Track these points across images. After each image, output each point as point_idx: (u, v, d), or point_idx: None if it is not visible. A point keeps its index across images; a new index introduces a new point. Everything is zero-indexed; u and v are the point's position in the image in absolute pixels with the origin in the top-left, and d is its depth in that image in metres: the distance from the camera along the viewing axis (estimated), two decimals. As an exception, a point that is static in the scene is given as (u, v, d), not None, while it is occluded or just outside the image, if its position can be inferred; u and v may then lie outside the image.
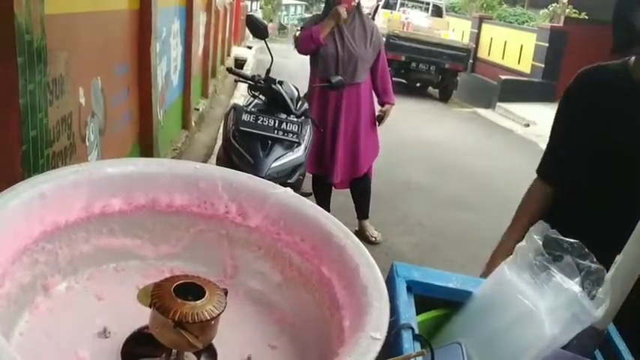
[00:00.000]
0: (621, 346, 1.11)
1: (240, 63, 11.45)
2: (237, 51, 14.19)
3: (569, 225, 1.14)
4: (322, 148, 3.84)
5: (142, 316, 0.82)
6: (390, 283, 1.12)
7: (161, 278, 0.83)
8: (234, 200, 1.05)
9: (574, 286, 0.97)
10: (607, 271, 1.03)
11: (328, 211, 1.06)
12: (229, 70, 3.83)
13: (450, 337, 1.09)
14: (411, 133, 7.92)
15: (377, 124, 4.02)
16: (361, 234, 4.04)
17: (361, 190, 4.10)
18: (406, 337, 0.99)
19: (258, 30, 3.25)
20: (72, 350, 0.82)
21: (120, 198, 0.99)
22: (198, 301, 0.78)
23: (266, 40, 3.27)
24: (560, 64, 11.68)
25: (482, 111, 11.28)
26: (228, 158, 3.05)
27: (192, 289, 0.80)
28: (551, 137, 1.74)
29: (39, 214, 0.86)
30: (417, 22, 12.70)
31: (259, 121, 3.03)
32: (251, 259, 1.07)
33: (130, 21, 3.34)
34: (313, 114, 3.66)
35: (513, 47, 13.46)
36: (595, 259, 1.01)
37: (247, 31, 4.47)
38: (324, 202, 3.96)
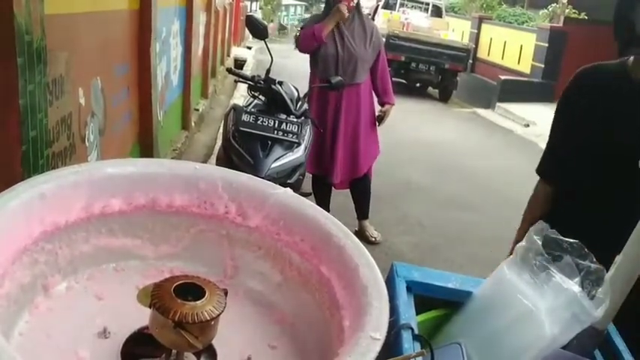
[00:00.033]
0: (621, 346, 1.11)
1: (239, 63, 11.45)
2: (237, 51, 14.20)
3: (569, 225, 1.14)
4: (322, 148, 3.84)
5: (141, 317, 0.82)
6: (390, 283, 1.12)
7: (161, 278, 0.83)
8: (234, 200, 1.05)
9: (574, 286, 0.97)
10: (607, 271, 1.03)
11: (328, 211, 1.06)
12: (229, 70, 3.83)
13: (449, 337, 1.10)
14: (411, 133, 7.92)
15: (377, 124, 4.02)
16: (361, 234, 4.04)
17: (361, 190, 4.10)
18: (406, 337, 0.99)
19: (258, 30, 3.25)
20: (72, 350, 0.82)
21: (120, 198, 0.99)
22: (198, 302, 0.78)
23: (266, 40, 3.27)
24: (559, 64, 11.68)
25: (482, 111, 11.28)
26: (228, 158, 3.05)
27: (192, 290, 0.80)
28: (550, 137, 1.74)
29: (39, 215, 0.86)
30: (417, 22, 12.70)
31: (259, 122, 3.03)
32: (251, 259, 1.07)
33: (130, 21, 3.34)
34: (313, 114, 3.66)
35: (513, 47, 13.46)
36: (595, 259, 1.01)
37: (247, 31, 4.47)
38: (323, 202, 3.96)
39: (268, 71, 3.30)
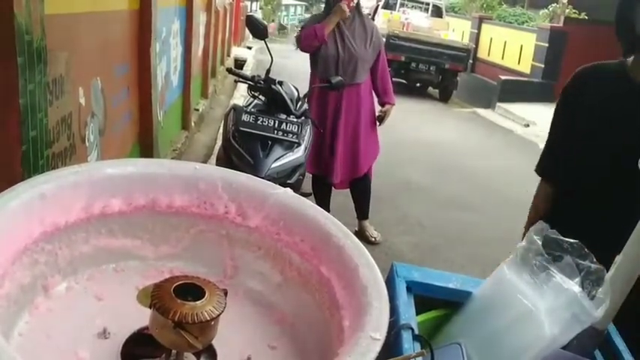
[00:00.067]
0: (621, 346, 1.11)
1: (240, 63, 11.45)
2: (237, 51, 14.19)
3: (569, 225, 1.14)
4: (322, 148, 3.84)
5: (141, 317, 0.82)
6: (390, 283, 1.12)
7: (161, 279, 0.83)
8: (234, 200, 1.05)
9: (574, 286, 0.97)
10: (607, 271, 1.03)
11: (328, 211, 1.06)
12: (229, 70, 3.82)
13: (449, 338, 1.10)
14: (411, 133, 7.92)
15: (377, 124, 4.03)
16: (361, 234, 4.04)
17: (361, 190, 4.10)
18: (406, 337, 0.99)
19: (258, 30, 3.25)
20: (72, 351, 0.82)
21: (120, 198, 0.99)
22: (198, 302, 0.78)
23: (266, 40, 3.27)
24: (560, 64, 11.68)
25: (482, 111, 11.28)
26: (228, 158, 3.05)
27: (192, 290, 0.80)
28: (549, 136, 1.74)
29: (39, 215, 0.86)
30: (417, 22, 12.70)
31: (259, 122, 3.03)
32: (251, 259, 1.07)
33: (130, 21, 3.34)
34: (313, 114, 3.66)
35: (513, 47, 13.46)
36: (595, 259, 1.01)
37: (247, 31, 4.47)
38: (323, 202, 3.96)
39: (268, 71, 3.30)
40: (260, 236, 1.05)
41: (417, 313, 1.11)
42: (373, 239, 4.09)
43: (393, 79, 7.11)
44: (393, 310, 0.95)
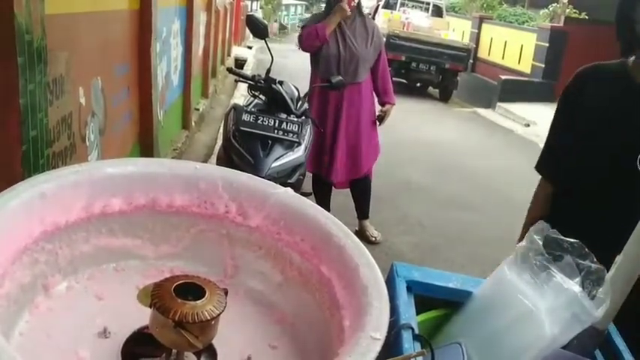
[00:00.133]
0: (621, 346, 1.11)
1: (240, 63, 11.45)
2: (238, 51, 14.19)
3: (568, 224, 1.14)
4: (322, 147, 3.84)
5: (142, 316, 0.82)
6: (390, 283, 1.12)
7: (161, 278, 0.83)
8: (234, 200, 1.05)
9: (574, 286, 0.97)
10: (607, 271, 1.03)
11: (328, 211, 1.06)
12: (229, 70, 3.82)
13: (450, 337, 1.10)
14: (411, 133, 7.91)
15: (377, 124, 4.03)
16: (361, 234, 4.04)
17: (361, 189, 4.10)
18: (406, 337, 0.99)
19: (259, 30, 3.25)
20: (72, 350, 0.82)
21: (120, 198, 0.99)
22: (198, 301, 0.78)
23: (266, 39, 3.27)
24: (560, 64, 11.68)
25: (482, 111, 11.28)
26: (228, 158, 3.05)
27: (192, 289, 0.80)
28: (549, 135, 1.74)
29: (39, 214, 0.86)
30: (417, 22, 12.69)
31: (259, 121, 3.03)
32: (251, 259, 1.07)
33: (130, 21, 3.34)
34: (313, 114, 3.66)
35: (513, 47, 13.45)
36: (595, 259, 1.01)
37: (247, 31, 4.47)
38: (324, 202, 3.96)
39: (269, 71, 3.30)
40: (260, 236, 1.05)
41: (417, 313, 1.11)
42: (373, 239, 4.09)
43: (394, 78, 7.11)
44: (393, 310, 0.95)
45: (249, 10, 19.79)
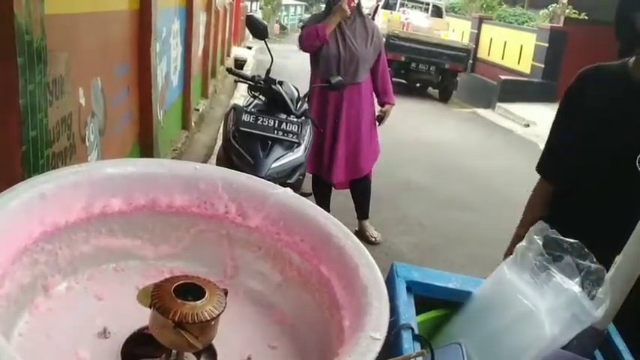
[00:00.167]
0: (621, 346, 1.11)
1: (240, 63, 11.45)
2: (237, 51, 14.19)
3: (568, 224, 1.15)
4: (322, 148, 3.84)
5: (141, 317, 0.82)
6: (390, 283, 1.12)
7: (161, 278, 0.83)
8: (234, 200, 1.05)
9: (574, 286, 0.97)
10: (607, 271, 1.03)
11: (328, 211, 1.06)
12: (229, 70, 3.82)
13: (449, 338, 1.10)
14: (411, 133, 7.91)
15: (377, 124, 4.03)
16: (361, 234, 4.04)
17: (361, 190, 4.10)
18: (406, 337, 0.99)
19: (258, 30, 3.25)
20: (72, 350, 0.82)
21: (120, 198, 0.99)
22: (198, 302, 0.78)
23: (266, 40, 3.28)
24: (560, 64, 11.68)
25: (482, 111, 11.28)
26: (228, 158, 3.05)
27: (192, 290, 0.80)
28: (550, 135, 1.75)
29: (39, 215, 0.86)
30: (417, 22, 12.69)
31: (259, 122, 3.03)
32: (251, 259, 1.07)
33: (130, 21, 3.34)
34: (313, 114, 3.66)
35: (513, 47, 13.46)
36: (595, 259, 1.01)
37: (247, 31, 4.47)
38: (324, 202, 3.96)
39: (268, 71, 3.30)
40: (260, 236, 1.05)
41: (417, 313, 1.11)
42: (373, 239, 4.09)
43: (393, 79, 7.12)
44: (393, 310, 0.95)
45: (248, 10, 19.80)
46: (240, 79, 3.47)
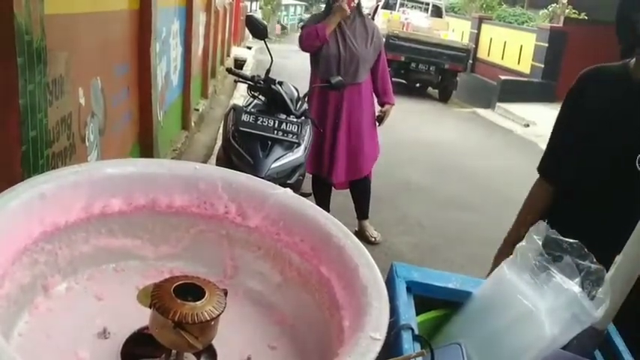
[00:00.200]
0: (621, 346, 1.11)
1: (239, 63, 11.45)
2: (237, 51, 14.19)
3: (568, 225, 1.14)
4: (322, 148, 3.84)
5: (141, 317, 0.82)
6: (390, 283, 1.12)
7: (161, 279, 0.83)
8: (233, 201, 1.05)
9: (574, 286, 0.97)
10: (607, 271, 1.03)
11: (328, 211, 1.06)
12: (229, 70, 3.83)
13: (449, 338, 1.09)
14: (411, 133, 7.92)
15: (377, 124, 4.03)
16: (361, 234, 4.04)
17: (361, 190, 4.11)
18: (406, 337, 0.99)
19: (258, 30, 3.25)
20: (72, 351, 0.82)
21: (120, 198, 0.99)
22: (198, 302, 0.78)
23: (266, 40, 3.28)
24: (559, 64, 11.69)
25: (481, 111, 11.28)
26: (227, 159, 3.05)
27: (192, 290, 0.80)
28: (552, 136, 1.75)
29: (39, 215, 0.86)
30: (417, 22, 12.70)
31: (259, 122, 3.03)
32: (251, 259, 1.06)
33: (130, 21, 3.34)
34: (314, 114, 3.66)
35: (513, 47, 13.46)
36: (595, 259, 1.01)
37: (247, 31, 4.47)
38: (323, 202, 3.96)
39: (268, 71, 3.30)
40: (260, 236, 1.05)
41: (417, 313, 1.10)
42: (373, 239, 4.09)
43: (393, 79, 7.12)
44: (393, 310, 0.95)
45: (248, 10, 19.80)
46: (240, 79, 3.48)
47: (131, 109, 3.50)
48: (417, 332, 1.01)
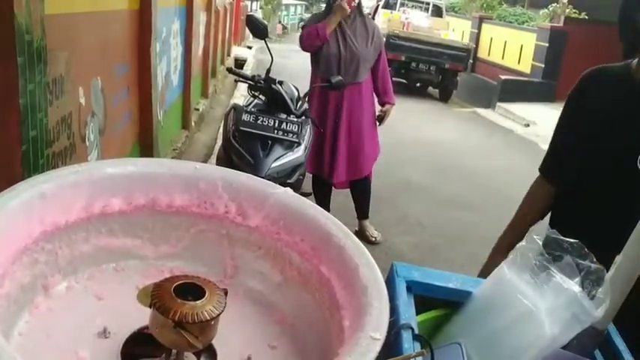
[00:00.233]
0: (621, 346, 1.11)
1: (240, 63, 11.46)
2: (237, 51, 14.19)
3: (569, 225, 1.15)
4: (322, 148, 3.84)
5: (141, 316, 0.82)
6: (390, 283, 1.12)
7: (161, 278, 0.83)
8: (234, 200, 1.05)
9: (574, 286, 0.97)
10: (607, 271, 1.03)
11: (328, 211, 1.06)
12: (229, 70, 3.83)
13: (449, 337, 1.09)
14: (411, 133, 7.92)
15: (377, 124, 4.03)
16: (361, 234, 4.04)
17: (361, 190, 4.11)
18: (406, 337, 0.99)
19: (258, 30, 3.26)
20: (72, 350, 0.82)
21: (120, 198, 0.99)
22: (198, 302, 0.78)
23: (266, 40, 3.28)
24: (560, 64, 11.69)
25: (482, 111, 11.28)
26: (228, 158, 3.05)
27: (192, 289, 0.80)
28: (553, 136, 1.74)
29: (39, 214, 0.86)
30: (417, 22, 12.70)
31: (259, 121, 3.03)
32: (251, 259, 1.06)
33: (130, 21, 3.35)
34: (313, 114, 3.66)
35: (513, 47, 13.46)
36: (595, 259, 1.01)
37: (247, 31, 4.47)
38: (324, 202, 3.96)
39: (268, 71, 3.30)
40: (260, 236, 1.05)
41: (417, 313, 1.10)
42: (373, 239, 4.09)
43: (393, 78, 7.11)
44: (393, 310, 0.95)
45: (249, 10, 19.79)
46: (241, 79, 3.48)
47: (131, 108, 3.50)
48: (417, 332, 1.01)
